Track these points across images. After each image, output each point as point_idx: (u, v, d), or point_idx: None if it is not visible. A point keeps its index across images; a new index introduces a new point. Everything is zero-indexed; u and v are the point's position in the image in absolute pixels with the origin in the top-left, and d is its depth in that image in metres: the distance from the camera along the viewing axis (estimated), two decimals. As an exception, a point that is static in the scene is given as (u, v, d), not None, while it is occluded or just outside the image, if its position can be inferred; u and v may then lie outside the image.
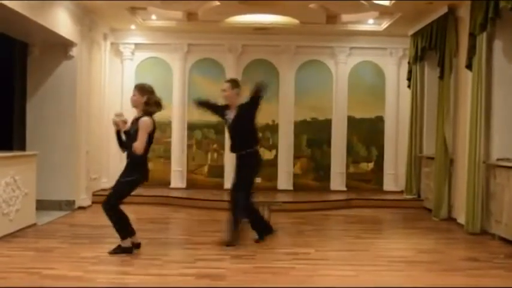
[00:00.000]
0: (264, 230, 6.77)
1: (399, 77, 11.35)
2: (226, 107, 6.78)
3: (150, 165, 11.23)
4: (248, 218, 6.65)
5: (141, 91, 6.11)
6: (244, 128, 6.60)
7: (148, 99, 6.06)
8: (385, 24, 10.25)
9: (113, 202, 6.02)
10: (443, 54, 8.76)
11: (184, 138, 11.50)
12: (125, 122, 6.11)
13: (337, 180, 11.42)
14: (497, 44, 7.55)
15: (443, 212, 8.69)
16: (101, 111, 10.56)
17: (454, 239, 7.34)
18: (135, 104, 6.13)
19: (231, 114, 6.67)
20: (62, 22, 8.40)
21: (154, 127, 6.09)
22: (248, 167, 6.57)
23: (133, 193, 11.03)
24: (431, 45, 9.23)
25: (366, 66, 11.57)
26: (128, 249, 6.03)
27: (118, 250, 6.02)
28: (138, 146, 5.88)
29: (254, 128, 6.69)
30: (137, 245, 6.16)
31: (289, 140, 11.51)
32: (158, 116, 11.92)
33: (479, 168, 7.41)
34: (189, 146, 11.55)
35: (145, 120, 5.96)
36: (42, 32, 8.08)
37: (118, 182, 6.15)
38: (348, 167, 11.50)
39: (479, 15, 7.28)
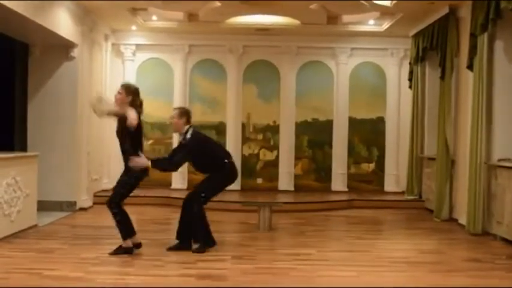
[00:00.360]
0: (183, 244, 6.34)
1: (400, 78, 11.35)
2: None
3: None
4: (184, 222, 6.39)
5: (127, 91, 6.12)
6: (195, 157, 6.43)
7: (132, 101, 6.06)
8: (386, 25, 10.24)
9: (118, 200, 6.05)
10: (444, 54, 8.75)
11: (185, 139, 11.47)
12: (100, 100, 6.13)
13: (338, 181, 11.42)
14: (498, 45, 7.54)
15: (444, 213, 8.68)
16: (102, 112, 10.55)
17: (455, 239, 7.33)
18: (119, 103, 6.10)
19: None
20: (62, 23, 8.40)
21: (141, 125, 6.07)
22: (213, 180, 6.43)
23: (134, 194, 11.06)
24: (433, 46, 9.23)
25: (367, 67, 11.57)
26: (128, 250, 6.03)
27: (119, 251, 6.02)
28: (131, 116, 5.78)
29: (206, 156, 6.44)
30: (138, 245, 6.16)
31: (290, 141, 11.51)
32: (159, 117, 11.98)
33: (481, 168, 7.40)
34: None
35: (131, 111, 5.90)
36: (42, 33, 8.07)
37: (119, 181, 6.17)
38: (349, 167, 11.50)
39: (480, 16, 7.28)
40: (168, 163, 6.44)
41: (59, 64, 9.06)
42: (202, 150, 6.40)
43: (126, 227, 6.08)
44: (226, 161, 6.47)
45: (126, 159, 6.08)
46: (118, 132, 6.09)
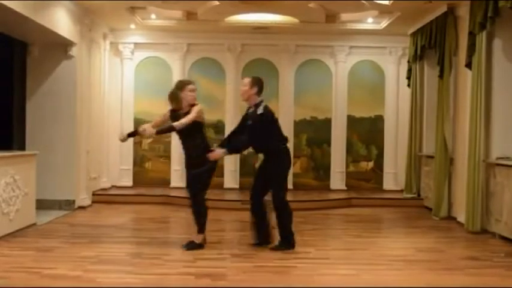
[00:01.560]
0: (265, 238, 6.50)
1: (399, 76, 11.35)
2: (248, 109, 6.57)
3: (150, 164, 11.43)
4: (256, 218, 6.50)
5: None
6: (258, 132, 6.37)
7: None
8: (384, 23, 10.25)
9: (197, 192, 6.26)
10: (442, 53, 8.76)
11: (184, 138, 11.47)
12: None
13: (337, 179, 11.42)
14: (497, 43, 7.55)
15: (443, 211, 8.69)
16: (101, 111, 10.56)
17: (454, 237, 7.35)
18: (191, 99, 6.30)
19: (248, 113, 6.48)
20: (61, 22, 8.39)
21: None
22: (279, 174, 6.41)
23: (133, 193, 11.12)
24: (431, 44, 9.23)
25: (365, 65, 11.57)
26: (199, 246, 6.23)
27: (191, 245, 6.23)
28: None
29: (269, 135, 6.38)
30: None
31: (289, 139, 11.46)
32: (159, 115, 12.04)
33: (479, 167, 7.41)
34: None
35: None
36: (41, 32, 8.07)
37: (194, 177, 6.28)
38: (347, 166, 11.50)
39: (479, 14, 7.28)
40: (244, 144, 6.45)
41: (57, 63, 9.05)
42: (269, 129, 6.30)
43: (203, 222, 6.30)
44: (284, 145, 6.40)
45: (196, 154, 6.21)
46: (184, 131, 6.22)
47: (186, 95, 6.22)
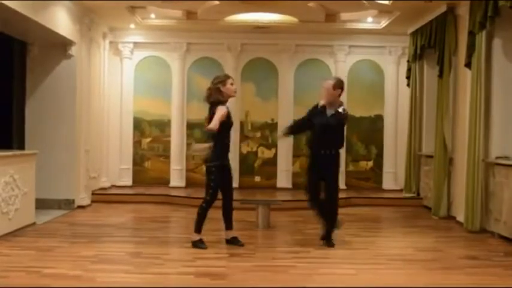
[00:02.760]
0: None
1: (398, 76, 11.35)
2: (316, 107, 7.04)
3: (149, 164, 11.43)
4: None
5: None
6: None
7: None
8: (384, 23, 10.25)
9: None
10: (442, 52, 8.76)
11: (183, 137, 11.49)
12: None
13: (337, 179, 11.41)
14: (497, 43, 7.55)
15: (442, 210, 8.70)
16: (101, 110, 10.56)
17: (453, 237, 7.35)
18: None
19: (327, 113, 6.89)
20: (61, 21, 8.39)
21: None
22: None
23: (133, 192, 11.10)
24: (431, 44, 9.23)
25: (365, 65, 11.58)
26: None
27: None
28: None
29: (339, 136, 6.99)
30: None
31: (289, 139, 11.46)
32: (157, 114, 12.00)
33: (479, 166, 7.42)
34: (189, 145, 11.53)
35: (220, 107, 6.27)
36: (41, 31, 8.07)
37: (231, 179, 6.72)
38: (347, 165, 11.49)
39: (479, 14, 7.28)
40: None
41: (57, 62, 9.04)
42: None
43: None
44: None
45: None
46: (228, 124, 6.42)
47: (228, 89, 6.39)
